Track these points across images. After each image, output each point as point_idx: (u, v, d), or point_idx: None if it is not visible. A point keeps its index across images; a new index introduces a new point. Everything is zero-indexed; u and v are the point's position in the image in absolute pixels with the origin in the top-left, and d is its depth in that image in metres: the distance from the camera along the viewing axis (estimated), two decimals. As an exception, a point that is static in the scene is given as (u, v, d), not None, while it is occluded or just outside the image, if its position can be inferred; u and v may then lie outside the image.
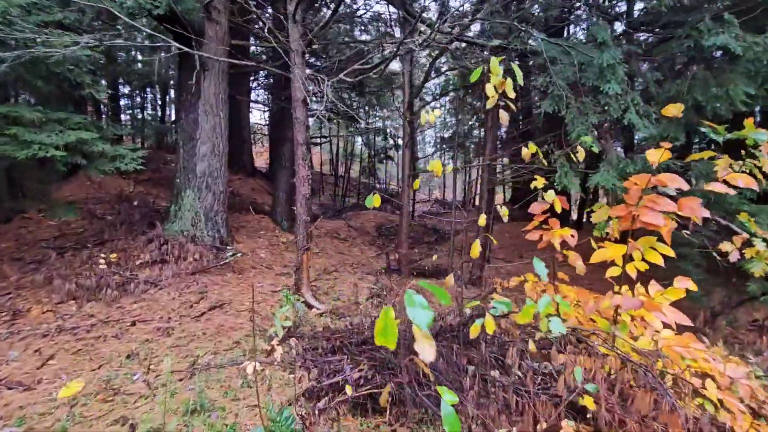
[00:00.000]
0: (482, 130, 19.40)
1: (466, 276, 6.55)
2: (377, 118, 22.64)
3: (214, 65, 6.48)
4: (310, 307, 4.47)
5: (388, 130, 22.46)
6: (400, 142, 23.77)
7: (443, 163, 23.09)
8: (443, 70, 10.88)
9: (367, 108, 19.03)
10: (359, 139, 20.92)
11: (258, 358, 3.25)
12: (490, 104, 2.11)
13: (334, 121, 17.98)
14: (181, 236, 6.17)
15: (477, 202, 25.32)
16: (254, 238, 7.61)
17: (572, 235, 2.93)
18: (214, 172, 6.52)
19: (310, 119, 9.73)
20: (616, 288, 2.64)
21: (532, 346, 2.68)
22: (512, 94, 2.05)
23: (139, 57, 14.37)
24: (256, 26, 9.21)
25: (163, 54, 13.84)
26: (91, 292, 4.63)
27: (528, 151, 2.90)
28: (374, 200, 2.34)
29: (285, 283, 5.48)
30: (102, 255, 5.67)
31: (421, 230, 11.70)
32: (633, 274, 2.52)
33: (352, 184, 22.53)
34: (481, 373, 2.78)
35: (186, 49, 4.32)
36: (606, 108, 4.47)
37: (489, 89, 2.37)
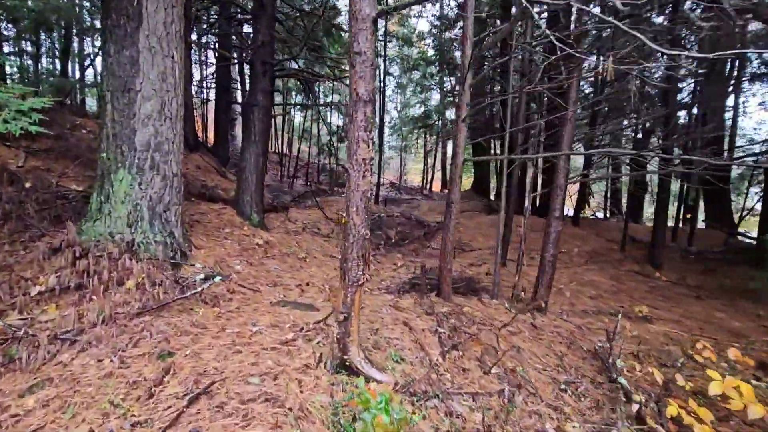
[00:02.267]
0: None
1: (511, 294, 5.05)
2: (335, 92, 20.34)
3: (164, -24, 4.15)
4: (367, 380, 2.64)
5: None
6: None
7: (424, 143, 21.33)
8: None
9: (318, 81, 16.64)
10: (303, 114, 18.47)
11: None
12: None
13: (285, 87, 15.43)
14: (111, 243, 3.90)
15: (437, 187, 24.15)
16: (218, 240, 5.43)
17: None
18: (165, 145, 4.26)
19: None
20: None
21: None
22: None
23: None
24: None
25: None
26: (-67, 371, 2.38)
27: None
28: None
29: (292, 319, 3.55)
30: (-37, 280, 3.28)
31: (409, 223, 10.06)
32: None
33: (300, 164, 20.14)
34: None
35: None
36: None
37: None
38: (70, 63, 14.96)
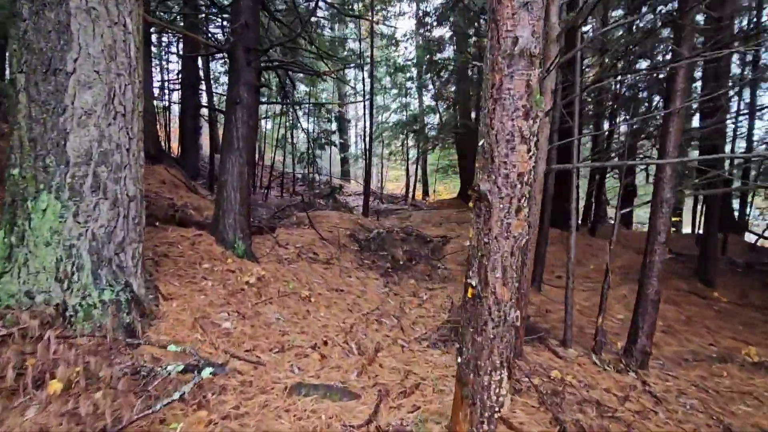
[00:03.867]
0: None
1: (594, 342, 3.93)
2: (308, 95, 18.97)
3: None
4: None
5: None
6: (333, 126, 20.29)
7: (407, 150, 20.44)
8: None
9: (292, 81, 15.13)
10: (279, 119, 16.95)
11: None
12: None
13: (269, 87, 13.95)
14: (27, 312, 2.48)
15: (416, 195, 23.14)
16: (195, 282, 4.02)
17: None
18: (115, 154, 2.87)
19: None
20: None
21: None
22: None
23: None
24: None
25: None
26: None
27: None
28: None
29: (327, 422, 2.25)
30: None
31: (411, 240, 8.84)
32: None
33: (275, 174, 18.60)
34: None
35: None
36: None
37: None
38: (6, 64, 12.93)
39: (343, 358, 3.31)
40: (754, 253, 8.20)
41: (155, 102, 13.47)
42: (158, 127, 13.72)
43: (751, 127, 9.47)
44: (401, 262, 7.31)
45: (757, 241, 8.79)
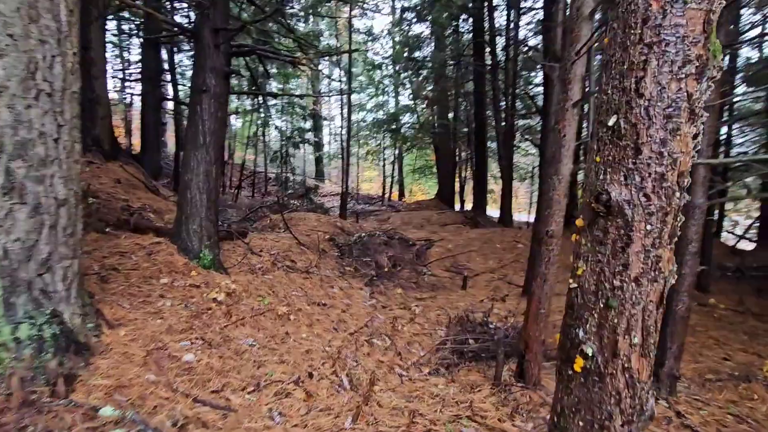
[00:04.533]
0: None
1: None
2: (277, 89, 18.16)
3: None
4: None
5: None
6: (308, 124, 19.54)
7: (381, 147, 19.95)
8: None
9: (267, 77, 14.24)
10: (249, 117, 16.04)
11: None
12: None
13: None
14: None
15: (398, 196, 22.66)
16: (151, 301, 3.36)
17: None
18: (37, 146, 2.21)
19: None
20: None
21: None
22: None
23: None
24: None
25: None
26: None
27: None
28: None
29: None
30: None
31: (393, 243, 8.33)
32: None
33: (246, 173, 17.73)
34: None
35: None
36: None
37: None
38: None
39: (333, 395, 2.75)
40: (737, 257, 8.18)
41: (113, 94, 12.41)
42: (113, 120, 12.59)
43: (729, 134, 9.51)
44: (386, 269, 6.79)
45: (736, 243, 8.81)
